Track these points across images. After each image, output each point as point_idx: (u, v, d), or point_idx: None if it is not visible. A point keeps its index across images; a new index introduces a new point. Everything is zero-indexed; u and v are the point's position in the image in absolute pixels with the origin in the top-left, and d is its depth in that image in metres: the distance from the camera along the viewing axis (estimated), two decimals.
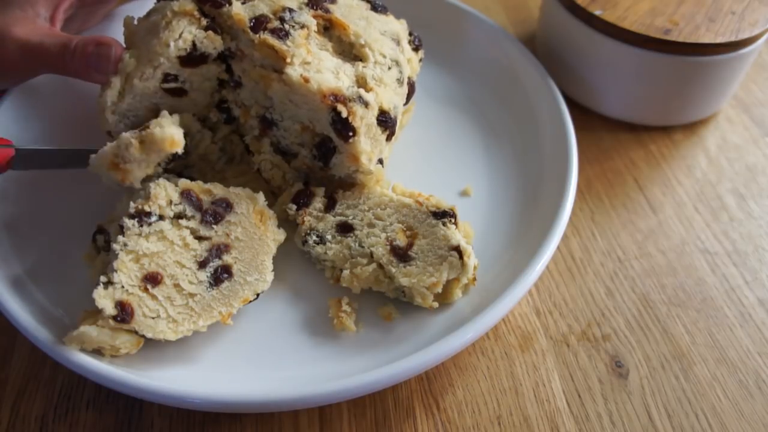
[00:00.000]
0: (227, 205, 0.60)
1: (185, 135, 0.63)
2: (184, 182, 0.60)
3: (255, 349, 0.59)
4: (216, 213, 0.59)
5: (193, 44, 0.61)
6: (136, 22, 0.65)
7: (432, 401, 0.59)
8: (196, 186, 0.60)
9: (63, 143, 0.68)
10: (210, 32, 0.61)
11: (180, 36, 0.60)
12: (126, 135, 0.58)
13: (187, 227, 0.58)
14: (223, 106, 0.67)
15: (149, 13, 0.65)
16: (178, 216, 0.59)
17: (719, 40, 0.74)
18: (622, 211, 0.75)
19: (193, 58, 0.62)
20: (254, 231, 0.60)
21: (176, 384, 0.53)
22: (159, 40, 0.60)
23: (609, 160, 0.81)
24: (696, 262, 0.70)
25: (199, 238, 0.59)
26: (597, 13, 0.77)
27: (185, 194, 0.59)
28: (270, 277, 0.59)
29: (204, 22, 0.62)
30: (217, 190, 0.61)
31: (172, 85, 0.63)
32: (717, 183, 0.78)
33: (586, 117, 0.85)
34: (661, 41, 0.74)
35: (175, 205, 0.59)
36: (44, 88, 0.78)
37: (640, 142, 0.83)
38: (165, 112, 0.60)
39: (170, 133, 0.58)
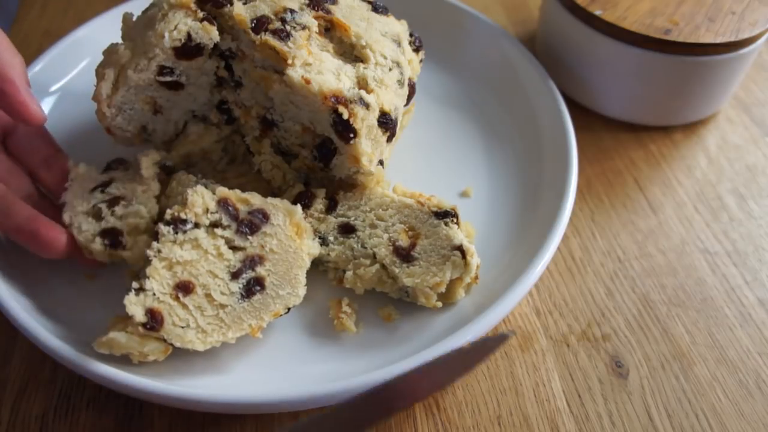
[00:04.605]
0: (264, 216, 0.59)
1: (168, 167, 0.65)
2: (221, 190, 0.59)
3: (255, 350, 0.59)
4: (252, 223, 0.58)
5: (188, 35, 0.60)
6: (134, 19, 0.65)
7: (432, 401, 0.59)
8: (233, 195, 0.59)
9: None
10: (205, 23, 0.61)
11: (175, 27, 0.60)
12: (98, 247, 0.58)
13: (222, 236, 0.57)
14: (224, 107, 0.67)
15: (147, 8, 0.65)
16: (214, 225, 0.58)
17: (719, 40, 0.74)
18: (622, 211, 0.75)
19: (188, 49, 0.61)
20: (289, 244, 0.58)
21: (176, 385, 0.53)
22: (154, 31, 0.60)
23: (609, 160, 0.81)
24: (696, 262, 0.70)
25: (234, 248, 0.58)
26: (597, 13, 0.77)
27: (222, 203, 0.58)
28: (302, 291, 0.58)
29: (200, 14, 0.61)
30: (255, 200, 0.60)
31: (168, 78, 0.63)
32: (717, 183, 0.78)
33: (586, 117, 0.85)
34: (661, 41, 0.74)
35: (212, 213, 0.58)
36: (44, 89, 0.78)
37: (640, 142, 0.83)
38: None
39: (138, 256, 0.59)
